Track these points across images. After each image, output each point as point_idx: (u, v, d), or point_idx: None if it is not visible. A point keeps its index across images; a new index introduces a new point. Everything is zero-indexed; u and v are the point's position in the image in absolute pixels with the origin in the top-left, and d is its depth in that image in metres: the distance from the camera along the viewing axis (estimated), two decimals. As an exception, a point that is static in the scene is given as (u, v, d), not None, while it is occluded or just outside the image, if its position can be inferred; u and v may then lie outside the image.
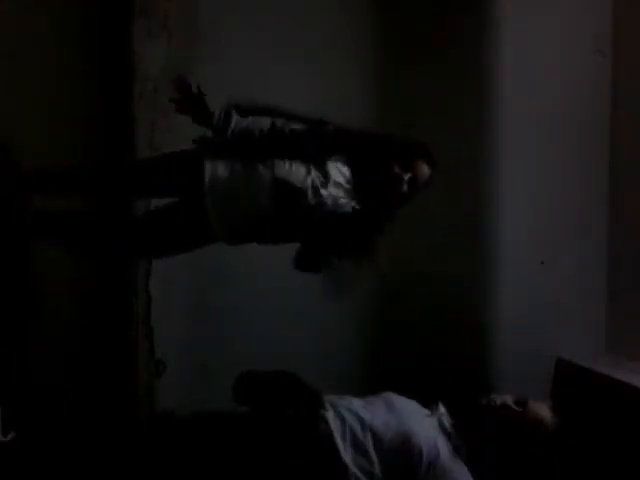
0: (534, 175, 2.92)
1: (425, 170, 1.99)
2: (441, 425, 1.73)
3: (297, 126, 1.94)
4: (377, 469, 1.64)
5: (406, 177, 1.95)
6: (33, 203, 2.08)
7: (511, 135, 2.87)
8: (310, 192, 1.92)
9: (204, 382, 2.61)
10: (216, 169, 1.95)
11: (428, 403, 1.82)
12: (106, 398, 2.56)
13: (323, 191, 1.92)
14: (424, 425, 1.71)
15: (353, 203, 1.96)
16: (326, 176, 1.94)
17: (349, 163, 2.00)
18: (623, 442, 2.37)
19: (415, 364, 2.77)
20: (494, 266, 2.89)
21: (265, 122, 1.94)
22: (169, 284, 2.58)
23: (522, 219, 2.90)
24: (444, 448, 1.67)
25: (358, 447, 1.66)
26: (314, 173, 1.94)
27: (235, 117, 1.93)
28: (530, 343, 2.88)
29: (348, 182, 1.98)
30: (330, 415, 1.70)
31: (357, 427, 1.69)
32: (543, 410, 1.80)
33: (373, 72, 2.80)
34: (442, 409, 1.80)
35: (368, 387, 2.74)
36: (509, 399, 1.82)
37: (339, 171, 1.98)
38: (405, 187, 1.95)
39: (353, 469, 1.62)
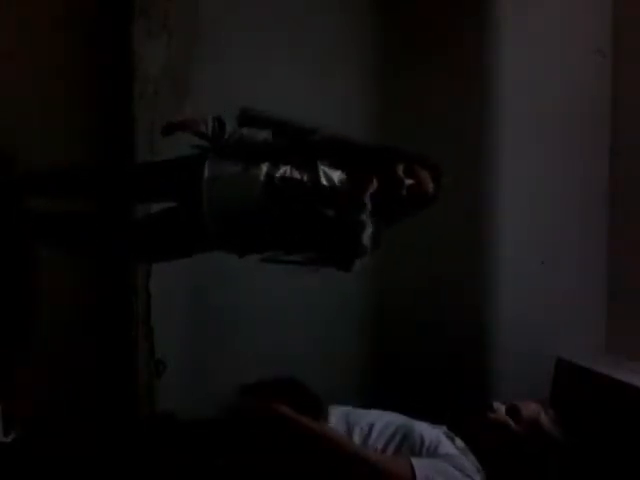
0: (534, 175, 2.92)
1: (428, 181, 1.98)
2: (447, 434, 1.73)
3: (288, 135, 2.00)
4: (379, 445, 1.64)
5: (407, 182, 1.95)
6: (33, 204, 2.08)
7: (511, 135, 2.87)
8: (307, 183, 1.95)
9: (204, 382, 2.61)
10: (215, 168, 1.98)
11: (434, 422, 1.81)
12: (106, 398, 2.56)
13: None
14: (426, 426, 1.71)
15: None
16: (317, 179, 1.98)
17: (342, 166, 2.01)
18: (623, 442, 2.37)
19: (415, 364, 2.77)
20: (494, 266, 2.89)
21: (258, 135, 2.01)
22: (169, 284, 2.58)
23: (522, 219, 2.90)
24: (445, 442, 1.67)
25: (362, 438, 1.66)
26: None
27: (229, 128, 1.98)
28: (530, 343, 2.88)
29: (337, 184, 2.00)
30: (332, 419, 1.70)
31: (363, 424, 1.69)
32: (535, 412, 1.80)
33: (373, 72, 2.80)
34: (445, 429, 1.79)
35: (368, 387, 2.75)
36: (501, 410, 1.81)
37: (326, 175, 1.99)
38: (404, 191, 1.95)
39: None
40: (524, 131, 2.88)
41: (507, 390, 2.70)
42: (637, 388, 2.42)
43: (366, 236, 1.89)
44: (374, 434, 1.66)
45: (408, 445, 1.63)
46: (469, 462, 1.62)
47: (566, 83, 2.95)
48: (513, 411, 1.79)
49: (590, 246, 3.01)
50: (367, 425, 1.68)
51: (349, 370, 2.78)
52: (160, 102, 2.55)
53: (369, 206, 1.91)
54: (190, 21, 2.59)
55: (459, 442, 1.70)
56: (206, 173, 1.97)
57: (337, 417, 1.70)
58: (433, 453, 1.61)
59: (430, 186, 1.99)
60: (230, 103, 2.56)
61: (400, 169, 1.96)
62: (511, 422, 1.76)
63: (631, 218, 2.93)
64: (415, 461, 1.54)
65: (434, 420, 1.77)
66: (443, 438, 1.67)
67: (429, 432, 1.67)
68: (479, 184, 2.88)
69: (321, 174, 1.97)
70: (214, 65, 2.60)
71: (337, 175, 2.00)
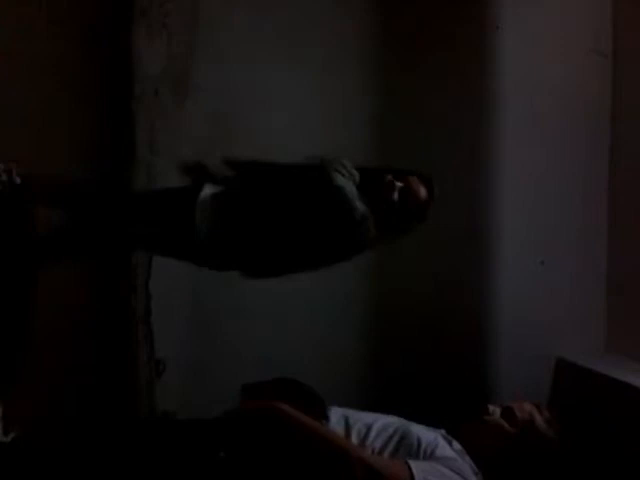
0: (534, 175, 2.91)
1: (418, 184, 2.00)
2: (445, 437, 1.73)
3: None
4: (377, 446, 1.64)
5: (398, 185, 1.97)
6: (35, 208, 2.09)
7: (511, 135, 2.87)
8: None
9: (204, 382, 2.61)
10: (211, 190, 2.02)
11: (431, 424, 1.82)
12: (106, 398, 2.56)
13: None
14: (424, 428, 1.72)
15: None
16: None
17: None
18: (623, 442, 2.37)
19: (415, 365, 2.77)
20: (494, 266, 2.89)
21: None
22: (169, 284, 2.58)
23: (522, 219, 2.90)
24: (443, 444, 1.67)
25: (360, 439, 1.67)
26: None
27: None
28: (530, 343, 2.88)
29: None
30: (332, 420, 1.70)
31: (360, 424, 1.69)
32: (530, 413, 1.80)
33: (373, 72, 2.80)
34: (444, 432, 1.79)
35: (368, 388, 2.75)
36: (496, 412, 1.81)
37: None
38: (396, 194, 1.97)
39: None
40: (524, 131, 2.88)
41: (507, 390, 2.70)
42: (637, 388, 2.42)
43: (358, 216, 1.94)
44: (372, 435, 1.66)
45: (405, 447, 1.63)
46: (466, 464, 1.63)
47: (566, 83, 2.95)
48: (508, 413, 1.79)
49: (590, 246, 3.01)
50: (365, 426, 1.68)
51: (349, 370, 2.78)
52: (160, 102, 2.55)
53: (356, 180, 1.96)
54: (190, 21, 2.59)
55: (456, 445, 1.70)
56: (204, 191, 2.02)
57: (336, 418, 1.71)
58: (430, 455, 1.61)
59: (421, 189, 2.01)
60: (230, 103, 2.58)
61: (389, 176, 1.99)
62: (505, 424, 1.77)
63: (631, 218, 2.93)
64: (413, 464, 1.54)
65: (433, 421, 1.77)
66: (440, 441, 1.67)
67: (426, 434, 1.67)
68: (479, 184, 2.88)
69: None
70: (214, 65, 2.61)
71: None
